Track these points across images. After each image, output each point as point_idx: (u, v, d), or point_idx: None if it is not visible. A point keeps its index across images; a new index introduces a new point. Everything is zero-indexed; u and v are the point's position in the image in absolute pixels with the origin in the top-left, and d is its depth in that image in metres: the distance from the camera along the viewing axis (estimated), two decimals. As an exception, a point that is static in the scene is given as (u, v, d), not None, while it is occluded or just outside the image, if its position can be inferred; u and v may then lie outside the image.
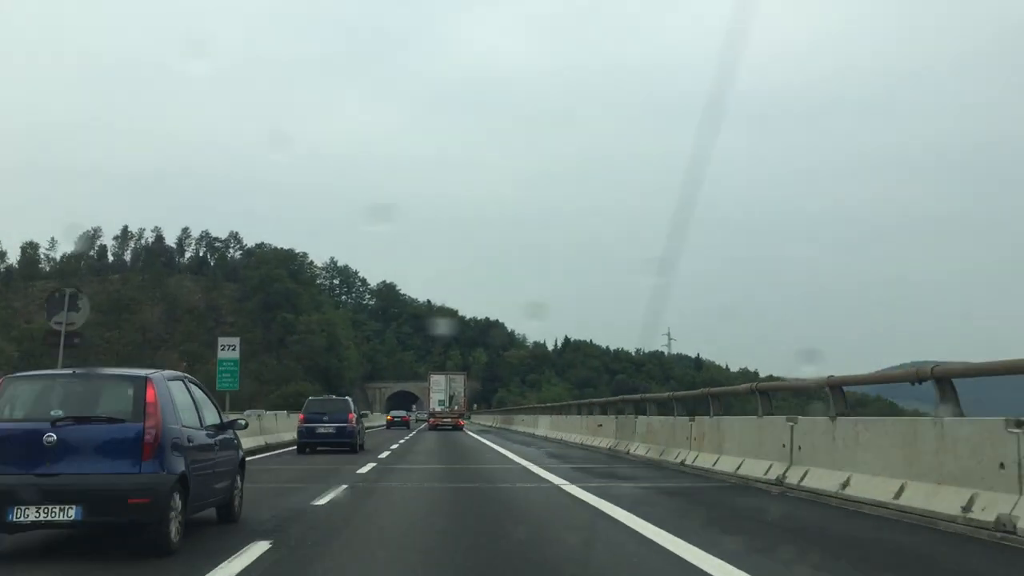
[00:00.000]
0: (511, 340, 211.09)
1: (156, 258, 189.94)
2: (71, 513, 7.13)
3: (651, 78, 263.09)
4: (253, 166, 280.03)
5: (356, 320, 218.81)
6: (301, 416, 26.01)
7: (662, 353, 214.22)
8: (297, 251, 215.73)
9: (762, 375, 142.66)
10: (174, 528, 7.62)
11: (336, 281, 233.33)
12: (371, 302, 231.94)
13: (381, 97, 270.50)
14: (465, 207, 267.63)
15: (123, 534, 7.72)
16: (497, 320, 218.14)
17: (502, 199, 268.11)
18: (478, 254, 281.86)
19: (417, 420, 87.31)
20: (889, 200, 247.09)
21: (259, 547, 7.93)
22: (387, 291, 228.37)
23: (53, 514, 7.14)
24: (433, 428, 55.00)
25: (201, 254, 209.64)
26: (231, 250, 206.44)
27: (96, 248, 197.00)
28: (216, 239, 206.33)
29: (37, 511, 7.13)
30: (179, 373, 9.20)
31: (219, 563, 7.16)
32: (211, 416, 9.22)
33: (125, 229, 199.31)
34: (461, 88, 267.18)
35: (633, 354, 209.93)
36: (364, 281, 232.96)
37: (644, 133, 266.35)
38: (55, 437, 7.30)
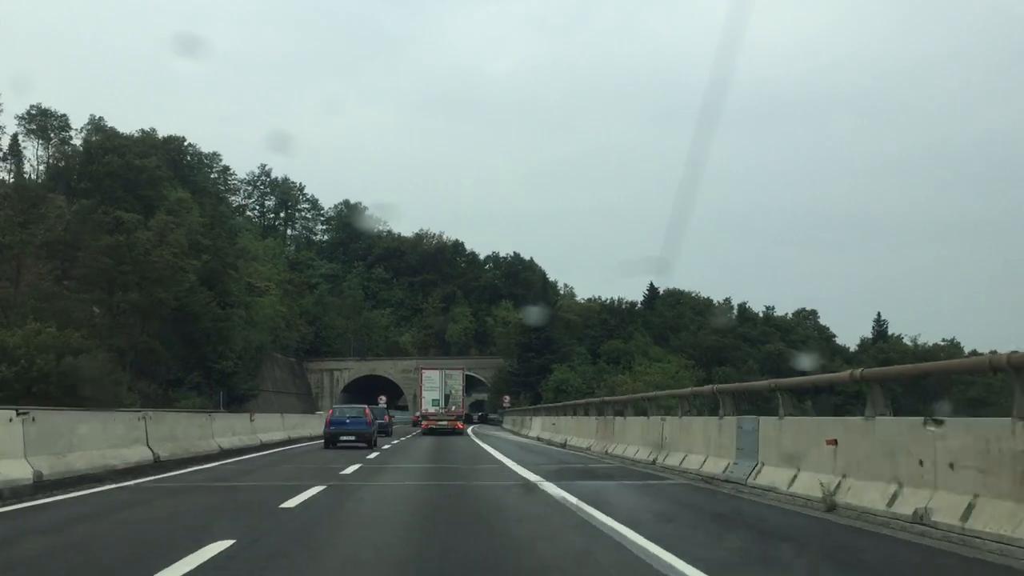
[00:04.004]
0: (553, 291, 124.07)
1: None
2: (352, 439, 29.92)
3: (651, 77, 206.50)
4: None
5: (297, 260, 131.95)
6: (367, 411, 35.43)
7: (815, 313, 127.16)
8: (197, 146, 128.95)
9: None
10: (373, 442, 31.02)
11: (270, 202, 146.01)
12: (325, 236, 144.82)
13: (376, 95, 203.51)
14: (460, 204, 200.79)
15: (364, 444, 29.97)
16: (530, 260, 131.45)
17: (499, 198, 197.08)
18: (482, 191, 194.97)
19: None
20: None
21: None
22: (350, 215, 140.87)
23: (349, 439, 29.84)
24: (428, 432, 47.76)
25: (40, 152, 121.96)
26: (77, 135, 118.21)
27: None
28: (50, 113, 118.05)
29: (345, 438, 29.95)
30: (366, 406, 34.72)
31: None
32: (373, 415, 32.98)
33: None
34: (457, 87, 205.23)
35: (765, 311, 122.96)
36: (315, 202, 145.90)
37: (644, 131, 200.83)
38: (348, 420, 30.77)
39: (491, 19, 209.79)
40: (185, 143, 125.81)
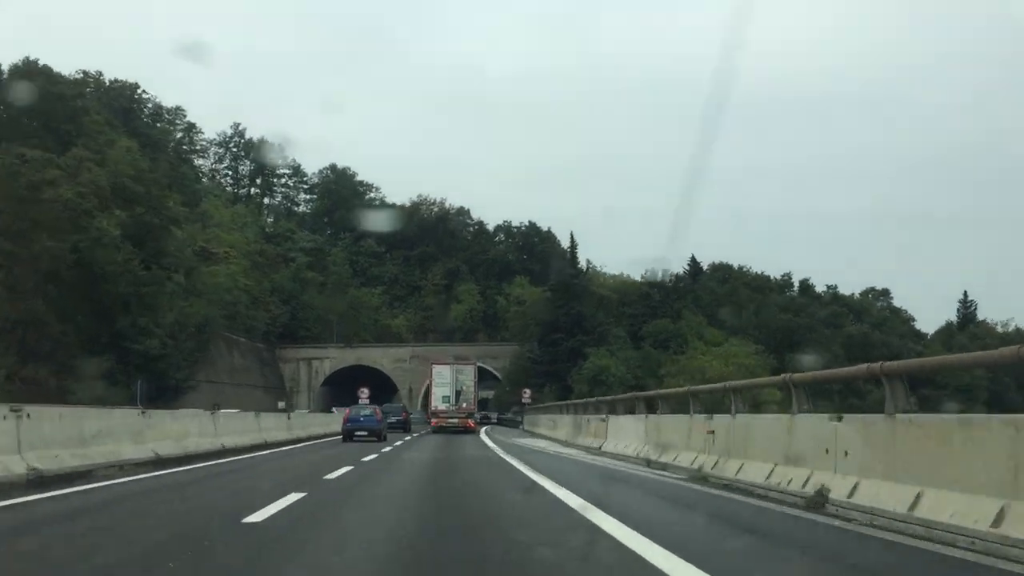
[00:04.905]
0: (572, 264, 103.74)
1: None
2: (364, 434, 33.89)
3: (651, 76, 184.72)
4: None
5: (275, 233, 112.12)
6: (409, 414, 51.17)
7: (887, 293, 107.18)
8: (156, 97, 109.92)
9: None
10: (384, 436, 34.26)
11: (246, 168, 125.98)
12: (308, 208, 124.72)
13: (374, 95, 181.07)
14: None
15: (374, 438, 33.29)
16: (548, 230, 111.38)
17: (500, 197, 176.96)
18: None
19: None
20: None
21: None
22: (337, 181, 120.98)
23: (362, 435, 33.72)
24: (437, 431, 46.07)
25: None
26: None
27: None
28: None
29: (359, 433, 34.02)
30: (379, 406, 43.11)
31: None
32: (385, 413, 39.96)
33: None
34: (456, 87, 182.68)
35: (827, 290, 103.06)
36: (297, 169, 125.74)
37: (644, 131, 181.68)
38: (362, 418, 35.45)
39: (493, 18, 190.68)
40: (139, 91, 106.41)
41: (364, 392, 62.00)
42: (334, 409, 59.95)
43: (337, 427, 41.55)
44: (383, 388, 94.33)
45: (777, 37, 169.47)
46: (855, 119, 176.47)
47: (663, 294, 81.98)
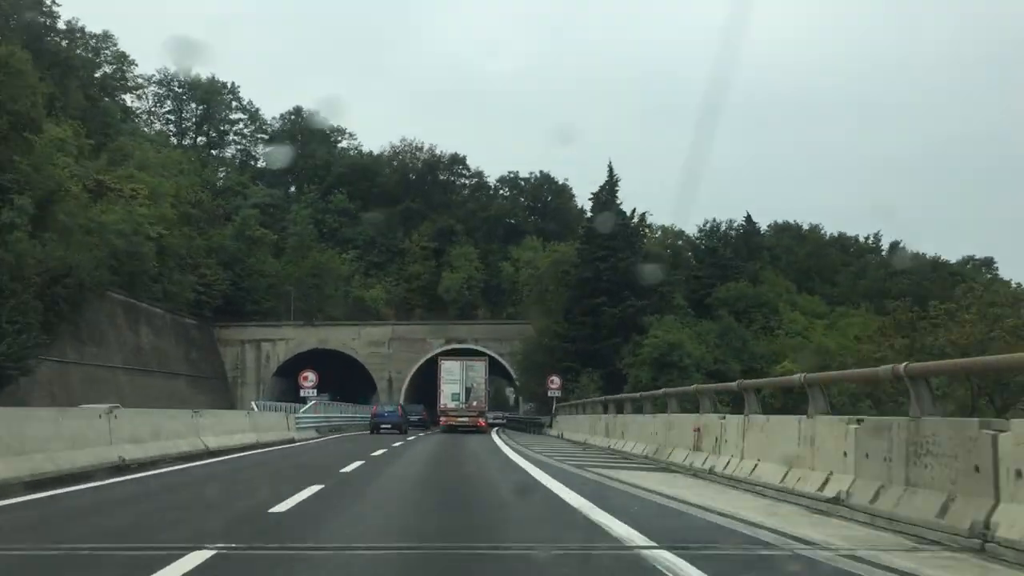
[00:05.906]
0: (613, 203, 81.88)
1: None
2: (389, 427, 42.51)
3: (651, 76, 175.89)
4: None
5: (223, 188, 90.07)
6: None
7: (990, 261, 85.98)
8: (77, 21, 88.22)
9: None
10: (405, 430, 42.71)
11: (194, 111, 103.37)
12: (264, 163, 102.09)
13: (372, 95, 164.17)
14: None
15: (396, 430, 41.93)
16: (565, 184, 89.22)
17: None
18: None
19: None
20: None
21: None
22: (302, 125, 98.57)
23: (387, 428, 42.33)
24: (447, 430, 45.36)
25: None
26: None
27: None
28: None
29: (384, 427, 42.70)
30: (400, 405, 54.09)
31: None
32: (406, 411, 49.61)
33: None
34: (454, 86, 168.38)
35: (916, 256, 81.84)
36: (256, 113, 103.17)
37: (644, 130, 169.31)
38: (386, 414, 45.24)
39: (493, 18, 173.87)
40: (48, 3, 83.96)
41: (309, 379, 41.25)
42: (254, 405, 40.06)
43: (241, 439, 23.75)
44: (355, 378, 72.49)
45: (778, 37, 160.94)
46: (854, 119, 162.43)
47: (732, 251, 60.26)
